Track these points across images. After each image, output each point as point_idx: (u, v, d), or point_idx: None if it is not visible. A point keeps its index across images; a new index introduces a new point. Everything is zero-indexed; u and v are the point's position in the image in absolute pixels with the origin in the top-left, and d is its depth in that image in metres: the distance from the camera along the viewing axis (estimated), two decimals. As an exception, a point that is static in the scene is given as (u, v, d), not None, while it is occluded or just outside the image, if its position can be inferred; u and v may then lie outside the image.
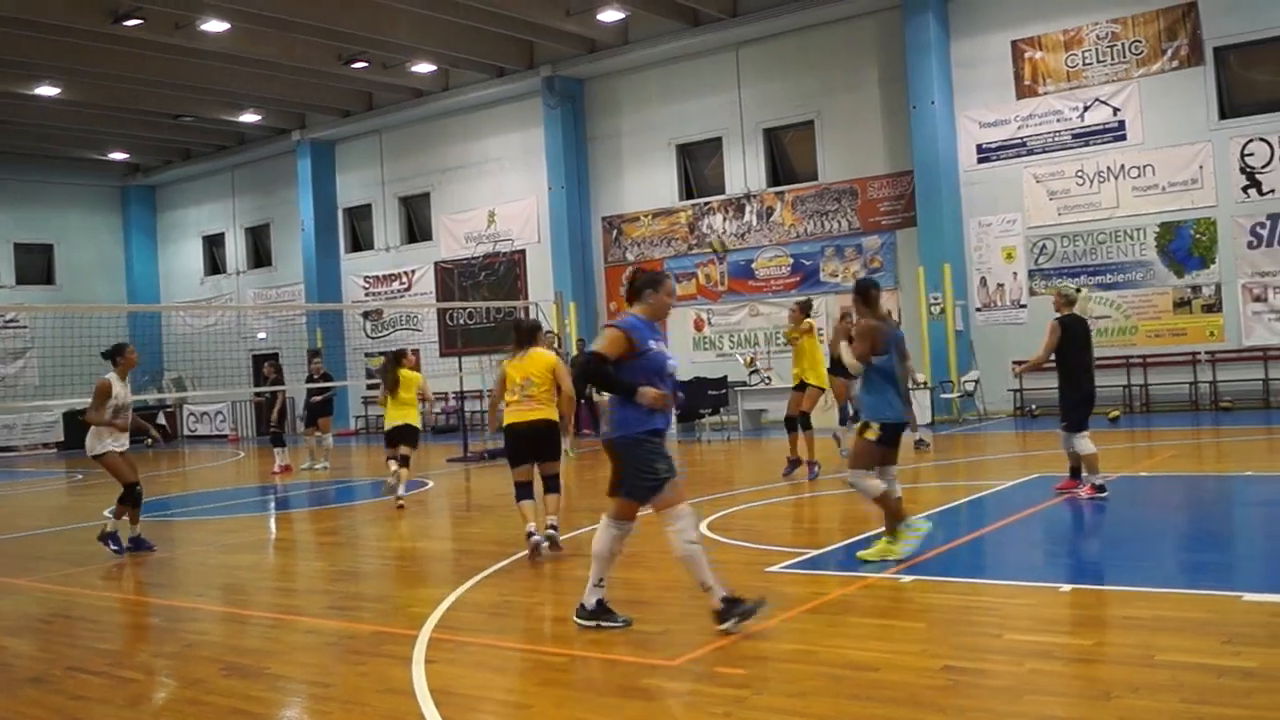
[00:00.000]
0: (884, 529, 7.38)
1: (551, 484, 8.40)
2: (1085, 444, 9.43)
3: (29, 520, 13.86)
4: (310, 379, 17.94)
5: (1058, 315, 9.82)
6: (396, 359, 12.86)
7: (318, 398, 17.75)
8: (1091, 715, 4.18)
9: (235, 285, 32.31)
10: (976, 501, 10.09)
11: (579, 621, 5.94)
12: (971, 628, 5.65)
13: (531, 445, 8.35)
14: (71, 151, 31.19)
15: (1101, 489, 9.36)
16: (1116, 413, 16.98)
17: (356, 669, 5.62)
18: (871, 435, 7.34)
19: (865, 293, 7.77)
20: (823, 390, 12.79)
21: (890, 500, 7.34)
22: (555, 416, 8.37)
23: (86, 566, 9.50)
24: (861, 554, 7.30)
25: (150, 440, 11.14)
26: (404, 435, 12.42)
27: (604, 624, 5.90)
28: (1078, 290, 10.50)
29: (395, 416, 12.49)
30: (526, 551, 8.23)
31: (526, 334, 8.54)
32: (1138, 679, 4.55)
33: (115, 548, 9.61)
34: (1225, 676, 4.51)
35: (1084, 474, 9.54)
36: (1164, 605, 5.78)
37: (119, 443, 9.58)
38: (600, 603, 5.97)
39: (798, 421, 12.30)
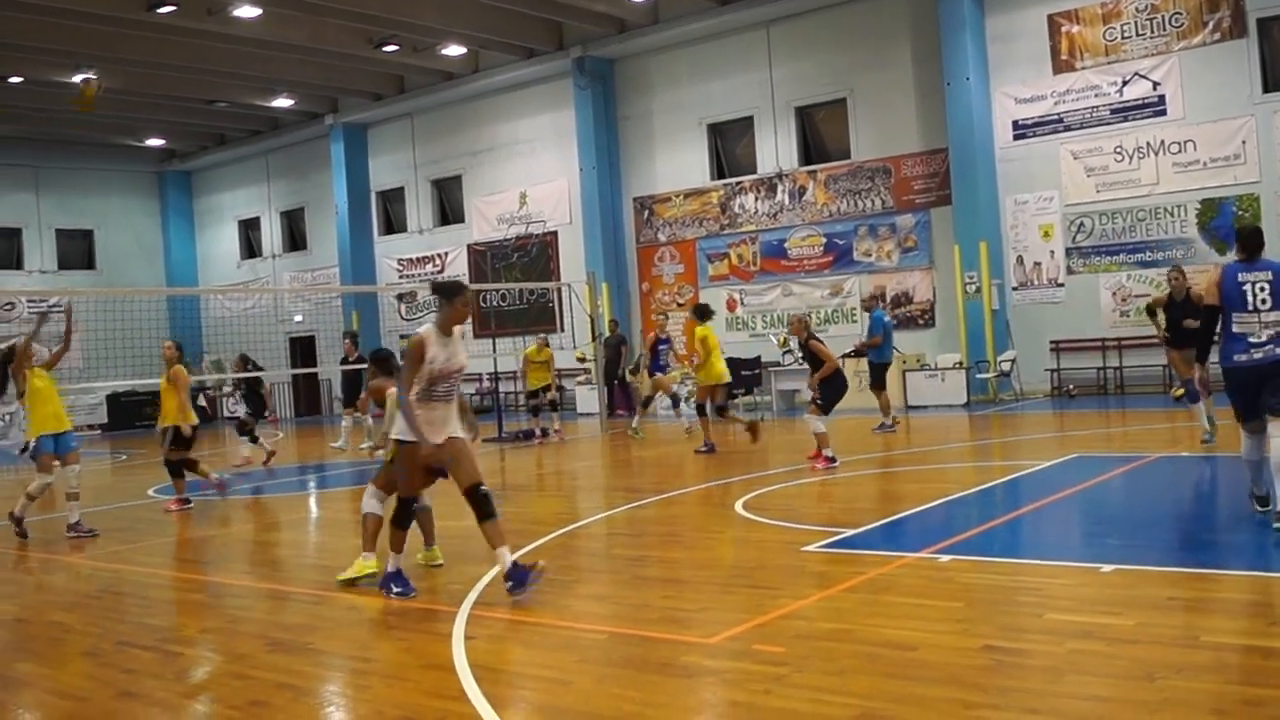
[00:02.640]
0: None
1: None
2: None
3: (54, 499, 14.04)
4: (345, 360, 18.06)
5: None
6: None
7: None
8: (1134, 696, 4.16)
9: (271, 268, 32.58)
10: (1014, 481, 10.03)
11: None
12: (1012, 607, 5.63)
13: None
14: (109, 138, 31.54)
15: None
16: (1180, 391, 16.74)
17: (398, 644, 5.69)
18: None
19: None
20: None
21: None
22: None
23: (134, 544, 9.66)
24: None
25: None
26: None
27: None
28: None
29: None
30: (561, 531, 8.29)
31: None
32: (1181, 660, 4.52)
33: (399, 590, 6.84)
34: (1272, 658, 4.47)
35: None
36: (1208, 586, 5.73)
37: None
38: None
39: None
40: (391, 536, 6.68)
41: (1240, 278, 7.00)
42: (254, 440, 16.34)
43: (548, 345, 17.87)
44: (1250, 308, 6.93)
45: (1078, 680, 4.38)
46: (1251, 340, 6.93)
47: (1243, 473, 7.45)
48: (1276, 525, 6.75)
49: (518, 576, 6.27)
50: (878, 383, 15.66)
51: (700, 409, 14.38)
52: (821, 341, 12.08)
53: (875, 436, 14.56)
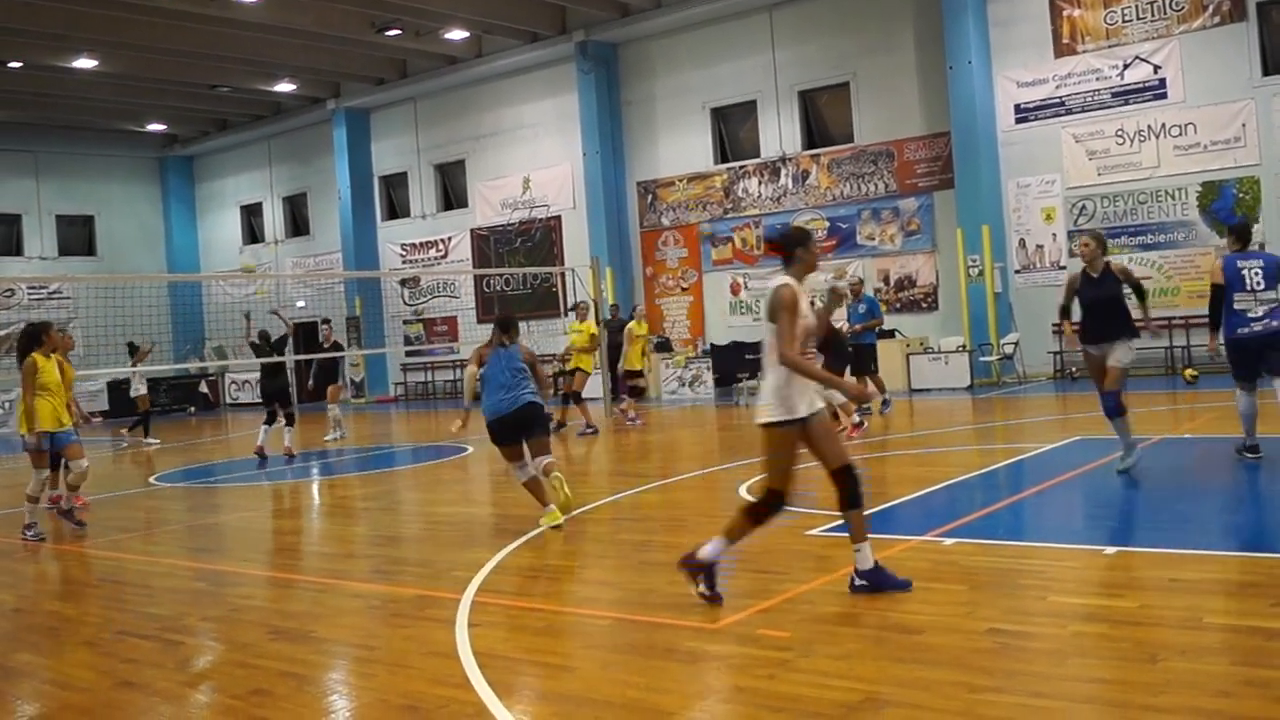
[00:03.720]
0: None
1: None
2: None
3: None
4: (320, 347, 17.63)
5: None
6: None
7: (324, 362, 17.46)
8: (1138, 678, 4.16)
9: (274, 254, 32.55)
10: (1018, 464, 10.03)
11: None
12: (1015, 590, 5.62)
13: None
14: (110, 123, 31.48)
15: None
16: (1194, 372, 16.71)
17: (401, 632, 5.69)
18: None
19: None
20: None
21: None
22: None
23: (133, 532, 9.67)
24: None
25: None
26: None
27: None
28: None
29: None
30: (565, 517, 8.29)
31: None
32: (1185, 642, 4.51)
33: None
34: (1275, 639, 4.47)
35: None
36: (1211, 568, 5.72)
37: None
38: None
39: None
40: (737, 525, 5.65)
41: (1239, 264, 8.61)
42: (290, 424, 15.39)
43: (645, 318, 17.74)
44: (1248, 288, 8.53)
45: (1081, 663, 4.38)
46: (1250, 316, 8.52)
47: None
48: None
49: (879, 579, 5.53)
50: (865, 367, 15.44)
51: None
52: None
53: (877, 420, 14.52)
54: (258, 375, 30.40)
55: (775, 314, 5.54)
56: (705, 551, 5.61)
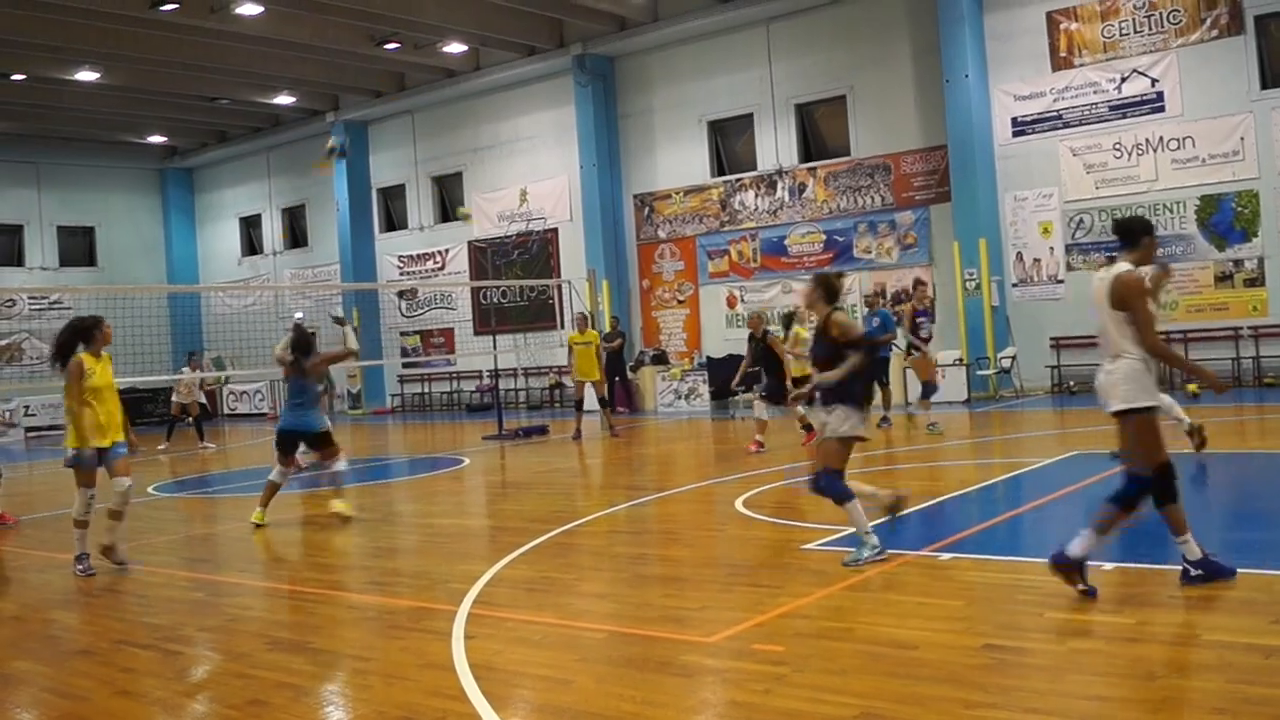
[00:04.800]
0: None
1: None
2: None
3: (73, 497, 14.03)
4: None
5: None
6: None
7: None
8: (1135, 695, 4.16)
9: (272, 265, 32.57)
10: (1015, 479, 10.03)
11: None
12: (1012, 606, 5.63)
13: None
14: (111, 135, 31.54)
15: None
16: (1195, 388, 16.70)
17: (397, 644, 5.68)
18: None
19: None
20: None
21: None
22: None
23: (131, 542, 9.64)
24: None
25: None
26: None
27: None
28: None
29: None
30: (561, 529, 8.29)
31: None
32: (1182, 659, 4.52)
33: None
34: (1273, 656, 4.46)
35: None
36: (1208, 584, 5.71)
37: None
38: None
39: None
40: (1107, 516, 5.57)
41: None
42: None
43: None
44: None
45: (1078, 679, 4.38)
46: None
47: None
48: None
49: (1211, 569, 5.47)
50: (880, 379, 15.56)
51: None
52: (778, 339, 13.31)
53: (874, 434, 14.53)
54: (255, 386, 30.73)
55: (1128, 301, 5.48)
56: (1075, 548, 5.51)
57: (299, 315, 28.61)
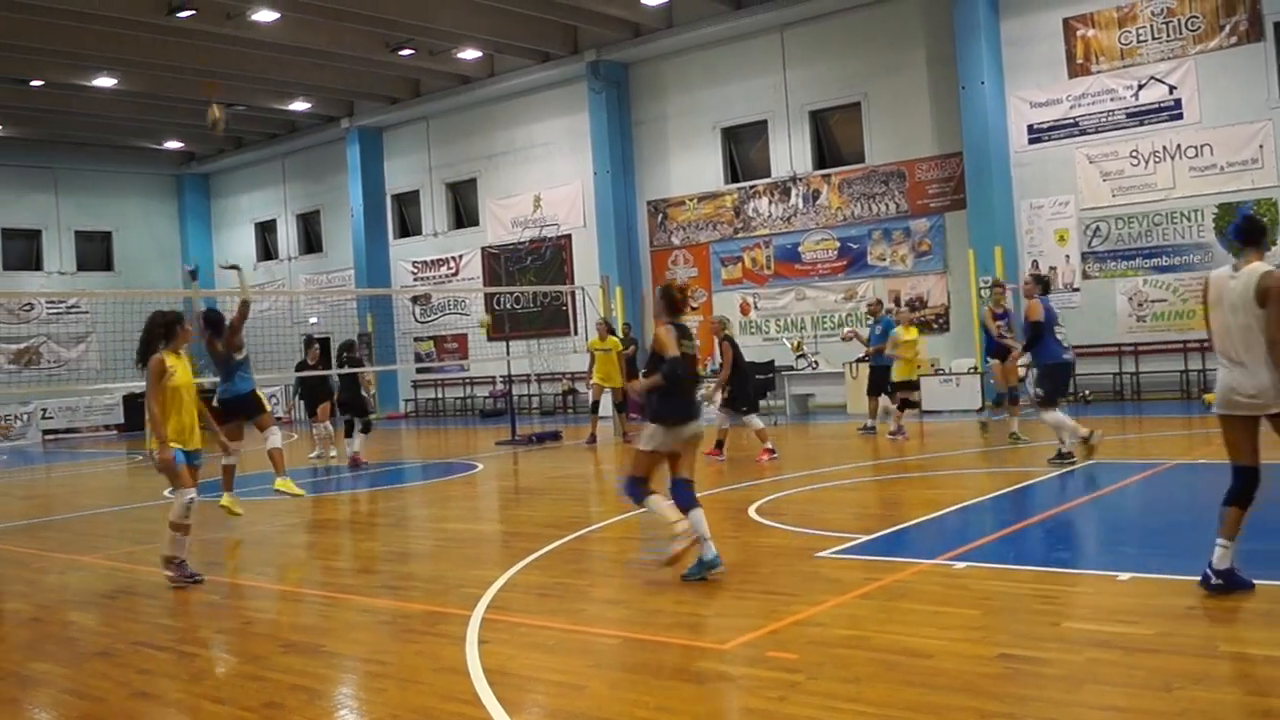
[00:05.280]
0: None
1: None
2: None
3: (92, 499, 14.16)
4: (304, 365, 17.55)
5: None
6: None
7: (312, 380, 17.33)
8: (1152, 706, 4.13)
9: (287, 271, 32.72)
10: (1030, 488, 9.98)
11: None
12: (1028, 615, 5.60)
13: None
14: (128, 141, 31.75)
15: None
16: (1212, 397, 16.60)
17: (411, 648, 5.69)
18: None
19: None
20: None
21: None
22: None
23: (148, 545, 9.68)
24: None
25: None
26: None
27: None
28: None
29: None
30: (575, 535, 8.28)
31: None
32: (1200, 670, 4.48)
33: None
34: (1289, 666, 4.44)
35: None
36: (1226, 595, 5.68)
37: None
38: None
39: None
40: (1231, 518, 5.58)
41: (1051, 305, 11.16)
42: (365, 431, 15.73)
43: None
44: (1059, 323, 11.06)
45: (1095, 690, 4.36)
46: (1065, 345, 11.06)
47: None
48: None
49: (1233, 581, 5.53)
50: (881, 388, 15.64)
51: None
52: (735, 345, 13.38)
53: (890, 443, 14.50)
54: (270, 391, 30.81)
55: (1271, 299, 5.36)
56: (1216, 559, 5.57)
57: (314, 320, 28.76)
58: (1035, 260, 19.69)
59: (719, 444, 13.32)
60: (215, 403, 10.50)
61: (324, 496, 13.20)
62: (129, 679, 5.40)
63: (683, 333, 7.10)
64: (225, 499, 10.26)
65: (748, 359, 20.29)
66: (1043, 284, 11.48)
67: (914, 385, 15.72)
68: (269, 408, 10.84)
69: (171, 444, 7.57)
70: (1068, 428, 10.74)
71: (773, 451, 13.07)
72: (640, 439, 6.97)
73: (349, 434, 15.62)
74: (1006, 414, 13.90)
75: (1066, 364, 11.01)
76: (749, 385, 13.62)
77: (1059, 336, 10.97)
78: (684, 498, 6.87)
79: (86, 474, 18.44)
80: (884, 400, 15.49)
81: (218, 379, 10.86)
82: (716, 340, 14.03)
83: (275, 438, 10.72)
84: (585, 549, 8.20)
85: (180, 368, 7.69)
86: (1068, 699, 4.27)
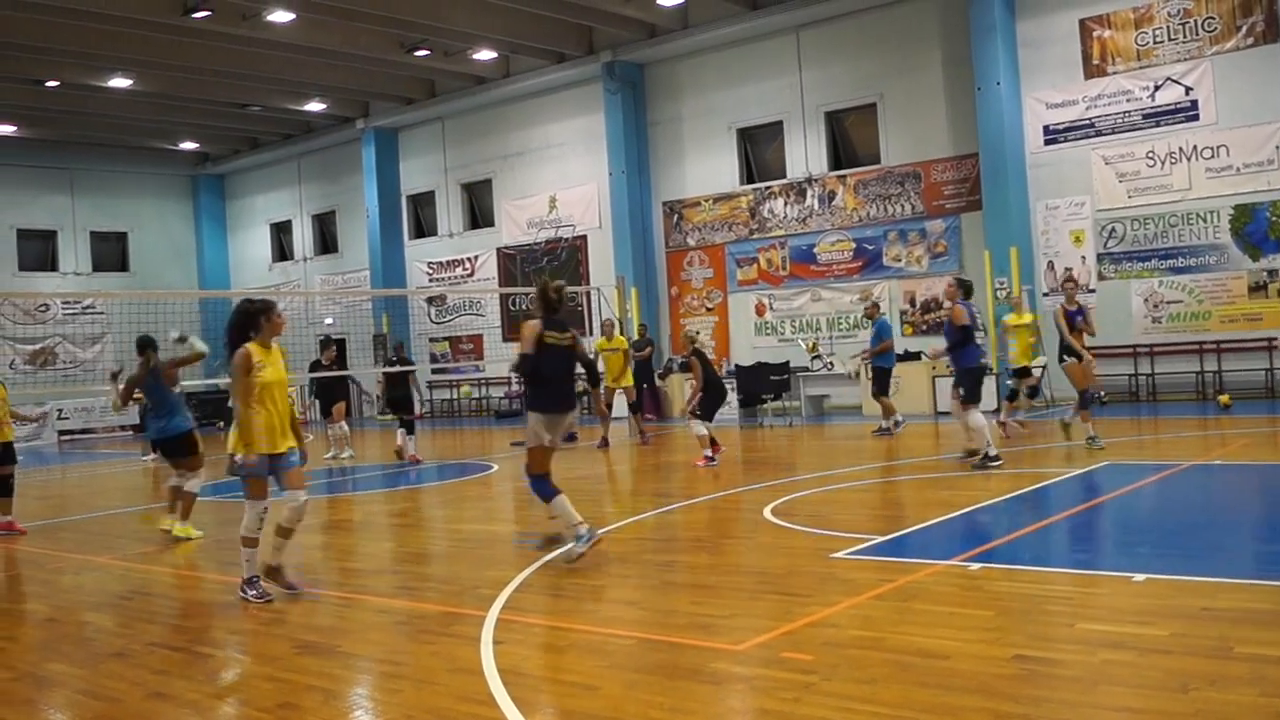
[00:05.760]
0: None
1: None
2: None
3: (107, 500, 14.24)
4: (317, 365, 17.66)
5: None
6: None
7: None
8: (1168, 707, 4.12)
9: (302, 271, 32.84)
10: (1045, 489, 9.95)
11: None
12: (1043, 617, 5.58)
13: None
14: (144, 141, 31.92)
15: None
16: (1227, 398, 16.53)
17: (426, 648, 5.71)
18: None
19: None
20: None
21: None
22: None
23: (163, 546, 9.74)
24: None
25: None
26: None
27: None
28: None
29: None
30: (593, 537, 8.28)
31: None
32: (1215, 671, 4.47)
33: None
34: (1307, 669, 4.41)
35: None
36: (1242, 596, 5.66)
37: None
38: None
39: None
40: None
41: (973, 310, 11.55)
42: (410, 432, 16.02)
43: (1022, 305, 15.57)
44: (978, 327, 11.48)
45: (1110, 691, 4.35)
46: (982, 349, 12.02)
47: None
48: None
49: None
50: (883, 389, 16.07)
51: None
52: (703, 358, 13.67)
53: (903, 441, 14.48)
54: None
55: None
56: None
57: (329, 321, 28.89)
58: (1050, 261, 19.63)
59: (713, 443, 13.33)
60: (155, 441, 10.60)
61: (339, 497, 13.24)
62: (144, 679, 5.43)
63: (554, 326, 7.47)
64: (178, 527, 9.79)
65: (763, 360, 20.45)
66: (965, 288, 11.74)
67: (1028, 372, 14.74)
68: (203, 450, 10.14)
69: (260, 447, 6.90)
70: (985, 436, 11.09)
71: (712, 459, 13.11)
72: (527, 438, 7.52)
73: (410, 431, 16.02)
74: (1076, 417, 12.91)
75: (985, 369, 11.68)
76: (718, 398, 13.75)
77: (978, 341, 11.68)
78: (545, 490, 7.67)
79: (102, 474, 18.53)
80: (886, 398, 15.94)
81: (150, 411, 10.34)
82: (686, 355, 14.32)
83: (196, 483, 9.99)
84: (599, 550, 8.20)
85: (270, 362, 6.99)
86: (1082, 700, 4.26)
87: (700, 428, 13.28)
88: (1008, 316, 15.04)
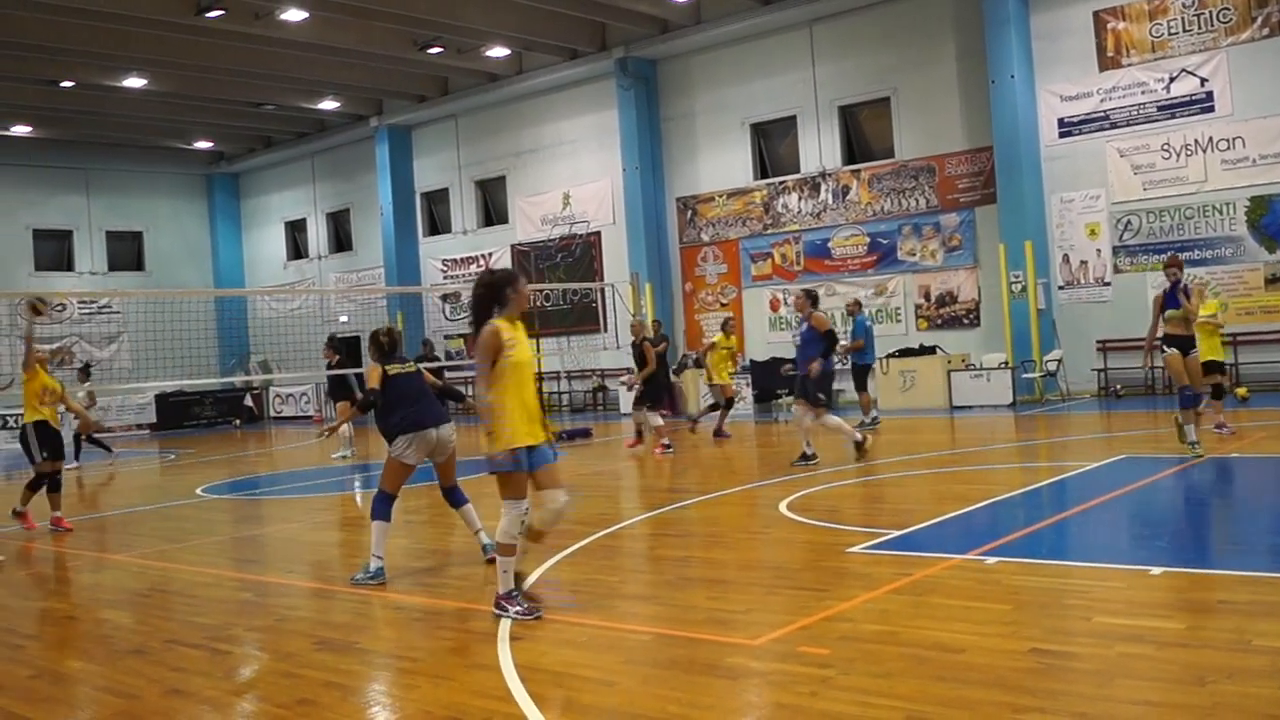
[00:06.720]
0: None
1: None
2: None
3: (124, 498, 14.33)
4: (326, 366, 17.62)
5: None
6: None
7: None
8: (1185, 701, 4.11)
9: (317, 269, 32.95)
10: (1061, 483, 9.92)
11: None
12: (1059, 610, 5.57)
13: None
14: (158, 141, 32.07)
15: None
16: (1244, 391, 16.47)
17: (443, 644, 5.73)
18: None
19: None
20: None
21: None
22: None
23: (180, 543, 9.80)
24: None
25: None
26: None
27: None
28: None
29: None
30: (605, 532, 8.29)
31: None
32: (1233, 664, 4.45)
33: None
34: (1326, 662, 4.39)
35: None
36: (1259, 589, 5.64)
37: None
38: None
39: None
40: None
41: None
42: None
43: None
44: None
45: (1127, 684, 4.34)
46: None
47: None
48: None
49: None
50: (861, 385, 16.54)
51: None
52: (653, 346, 14.73)
53: (919, 437, 14.47)
54: (301, 389, 31.04)
55: None
56: None
57: (344, 319, 28.97)
58: (1066, 254, 19.56)
59: (639, 434, 14.98)
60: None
61: (353, 494, 13.29)
62: (163, 676, 5.46)
63: (396, 362, 7.68)
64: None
65: (778, 355, 20.47)
66: (813, 298, 12.43)
67: (1219, 368, 12.80)
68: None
69: (520, 440, 5.98)
70: (846, 432, 12.06)
71: (668, 446, 14.30)
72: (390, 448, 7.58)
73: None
74: (1181, 418, 11.01)
75: (834, 373, 12.36)
76: (661, 386, 15.09)
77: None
78: (456, 498, 7.92)
79: (120, 473, 18.64)
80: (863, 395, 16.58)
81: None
82: (633, 341, 15.21)
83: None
84: (616, 545, 8.22)
85: (520, 339, 6.04)
86: (1099, 694, 4.25)
87: (656, 419, 14.48)
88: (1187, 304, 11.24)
